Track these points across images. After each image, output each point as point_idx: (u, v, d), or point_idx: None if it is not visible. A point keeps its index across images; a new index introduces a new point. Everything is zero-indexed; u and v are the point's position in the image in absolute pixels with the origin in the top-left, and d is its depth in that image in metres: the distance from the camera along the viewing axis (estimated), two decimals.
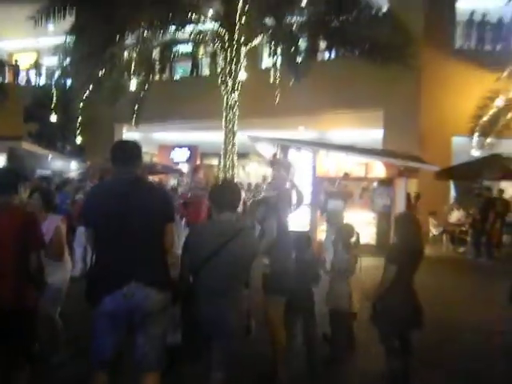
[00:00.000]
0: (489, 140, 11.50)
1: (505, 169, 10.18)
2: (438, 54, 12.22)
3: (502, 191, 11.30)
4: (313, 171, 10.01)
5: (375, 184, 10.38)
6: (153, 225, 2.52)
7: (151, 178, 14.12)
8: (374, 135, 13.69)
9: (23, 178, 3.08)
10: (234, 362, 2.63)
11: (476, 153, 11.61)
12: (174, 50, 12.87)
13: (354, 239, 4.22)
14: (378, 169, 10.07)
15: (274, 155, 10.05)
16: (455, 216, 11.47)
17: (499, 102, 11.16)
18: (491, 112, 11.25)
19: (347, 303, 3.96)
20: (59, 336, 3.81)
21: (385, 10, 11.30)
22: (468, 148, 11.84)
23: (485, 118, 11.32)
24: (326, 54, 14.00)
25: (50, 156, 15.54)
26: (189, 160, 19.21)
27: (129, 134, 17.67)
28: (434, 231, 11.48)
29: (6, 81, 18.57)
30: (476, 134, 11.54)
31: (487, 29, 13.08)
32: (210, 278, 2.50)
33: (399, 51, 9.67)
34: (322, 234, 9.88)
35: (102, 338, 2.46)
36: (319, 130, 16.38)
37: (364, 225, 9.56)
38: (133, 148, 2.68)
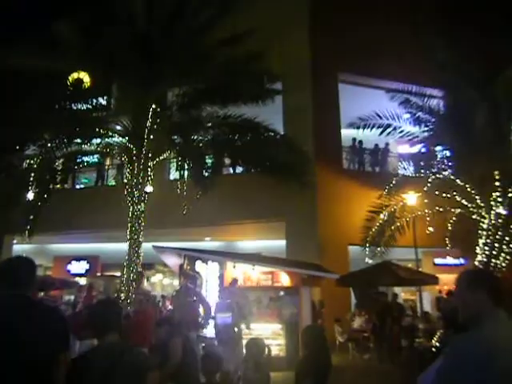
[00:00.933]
0: (379, 249, 12.65)
1: (395, 275, 11.11)
2: (329, 173, 13.75)
3: (395, 295, 12.19)
4: (220, 281, 9.93)
5: (282, 293, 10.55)
6: (45, 357, 2.22)
7: (42, 295, 12.73)
8: (278, 245, 14.29)
9: None
10: None
11: (370, 260, 12.60)
12: (79, 160, 12.78)
13: (265, 354, 4.12)
14: (284, 278, 10.35)
15: (181, 266, 9.88)
16: (357, 322, 11.91)
17: (383, 215, 12.61)
18: (378, 224, 12.59)
19: None
20: None
21: (282, 133, 12.77)
22: (363, 256, 12.84)
23: (373, 230, 12.59)
24: (231, 169, 14.95)
25: None
26: (88, 272, 17.88)
27: (20, 245, 16.17)
28: (339, 338, 11.68)
29: None
30: (367, 244, 12.65)
31: (366, 153, 15.28)
32: None
33: (296, 169, 10.76)
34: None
35: None
36: (226, 240, 16.66)
37: (273, 336, 9.45)
38: (26, 268, 2.43)
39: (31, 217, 11.24)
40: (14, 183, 11.26)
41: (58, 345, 2.32)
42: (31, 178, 11.07)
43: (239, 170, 14.37)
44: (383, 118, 12.36)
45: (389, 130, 12.45)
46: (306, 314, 9.82)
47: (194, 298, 7.64)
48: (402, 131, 12.59)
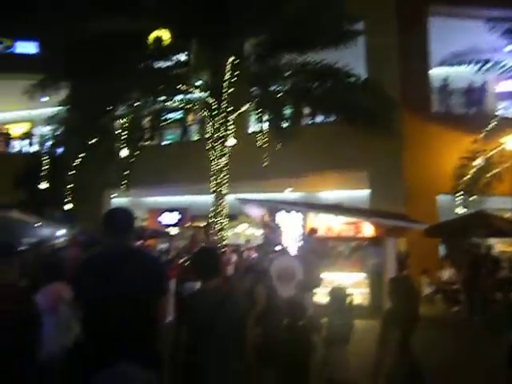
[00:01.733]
0: (472, 198, 11.79)
1: (491, 226, 10.35)
2: (416, 118, 12.84)
3: (490, 247, 11.41)
4: (302, 232, 10.06)
5: (365, 244, 10.43)
6: (145, 299, 2.45)
7: (140, 243, 14.00)
8: (360, 195, 13.97)
9: (16, 251, 3.01)
10: None
11: (461, 210, 11.84)
12: (164, 117, 13.36)
13: (347, 302, 4.15)
14: (367, 228, 10.17)
15: (263, 217, 10.16)
16: (447, 274, 11.45)
17: (478, 161, 11.60)
18: (472, 171, 11.64)
19: (344, 372, 3.82)
20: None
21: (364, 77, 12.07)
22: (453, 206, 12.09)
23: (466, 178, 11.68)
24: (311, 119, 14.62)
25: (38, 223, 15.40)
26: (179, 223, 19.17)
27: (118, 199, 17.73)
28: (426, 290, 11.37)
29: None
30: (459, 193, 11.84)
31: (460, 94, 13.91)
32: (207, 344, 2.61)
33: (379, 116, 10.17)
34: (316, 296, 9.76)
35: None
36: (307, 191, 16.66)
37: (355, 286, 9.48)
38: (125, 218, 2.64)
39: (125, 172, 12.18)
40: (110, 142, 12.19)
41: (158, 287, 2.54)
42: (123, 137, 11.89)
43: (319, 119, 14.01)
44: (481, 52, 11.03)
45: (487, 65, 11.13)
46: (390, 264, 9.65)
47: (276, 249, 7.88)
48: (503, 66, 11.19)
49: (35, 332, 2.76)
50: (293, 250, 9.88)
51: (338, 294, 4.17)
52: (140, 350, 2.39)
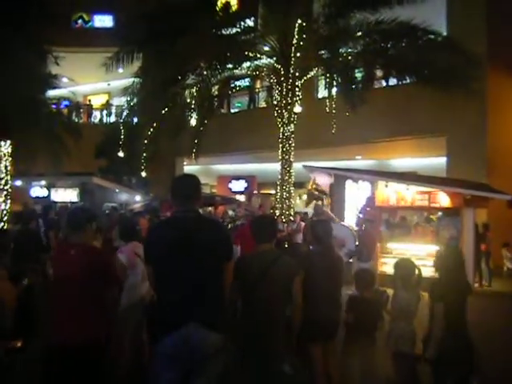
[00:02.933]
0: None
1: None
2: (504, 76, 11.61)
3: None
4: (371, 201, 9.74)
5: (440, 214, 9.87)
6: (214, 264, 2.51)
7: (210, 209, 14.50)
8: (436, 162, 13.13)
9: (93, 216, 3.23)
10: None
11: None
12: (232, 85, 13.38)
13: (415, 275, 3.97)
14: (442, 198, 9.57)
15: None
16: None
17: None
18: None
19: (410, 345, 3.71)
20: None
21: (444, 33, 11.06)
22: None
23: None
24: (384, 82, 13.82)
25: (117, 189, 16.53)
26: (246, 190, 19.52)
27: (189, 166, 18.37)
28: (508, 264, 10.59)
29: (81, 120, 20.22)
30: None
31: None
32: (258, 299, 2.88)
33: (461, 75, 9.31)
34: (383, 266, 9.51)
35: (159, 377, 2.47)
36: (378, 159, 16.01)
37: (429, 257, 9.07)
38: (193, 183, 2.69)
39: (195, 140, 12.51)
40: (180, 111, 12.52)
41: (224, 252, 2.59)
42: (192, 106, 12.14)
43: (393, 82, 13.20)
44: None
45: None
46: (468, 236, 9.07)
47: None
48: None
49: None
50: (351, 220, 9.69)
51: (404, 266, 3.98)
52: (208, 314, 2.47)
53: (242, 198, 18.15)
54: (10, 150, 12.22)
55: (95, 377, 2.80)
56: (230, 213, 13.95)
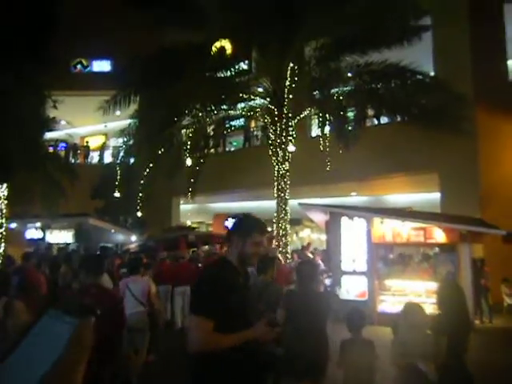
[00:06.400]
0: None
1: None
2: (493, 115, 11.93)
3: None
4: (367, 238, 9.74)
5: (436, 250, 9.86)
6: None
7: (207, 247, 14.40)
8: (431, 198, 13.25)
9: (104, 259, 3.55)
10: None
11: None
12: (227, 125, 13.66)
13: (423, 320, 3.77)
14: (438, 234, 9.59)
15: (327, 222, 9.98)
16: None
17: None
18: None
19: None
20: None
21: (432, 74, 11.46)
22: None
23: None
24: (375, 121, 14.15)
25: (113, 230, 16.45)
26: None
27: (185, 205, 18.41)
28: (507, 300, 10.48)
29: (78, 161, 20.40)
30: None
31: None
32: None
33: (450, 115, 9.57)
34: (382, 304, 9.39)
35: None
36: (373, 195, 16.14)
37: (428, 294, 8.97)
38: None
39: (192, 180, 12.61)
40: (176, 151, 12.70)
41: None
42: (188, 146, 12.33)
43: (384, 120, 13.52)
44: None
45: None
46: (465, 272, 9.01)
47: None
48: None
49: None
50: (358, 259, 9.64)
51: (414, 312, 3.78)
52: None
53: None
54: (6, 192, 12.25)
55: None
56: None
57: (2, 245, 12.17)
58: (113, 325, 2.95)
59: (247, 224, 2.38)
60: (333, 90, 11.15)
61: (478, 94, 11.56)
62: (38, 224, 16.23)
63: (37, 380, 0.67)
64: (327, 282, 9.98)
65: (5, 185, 12.16)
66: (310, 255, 11.06)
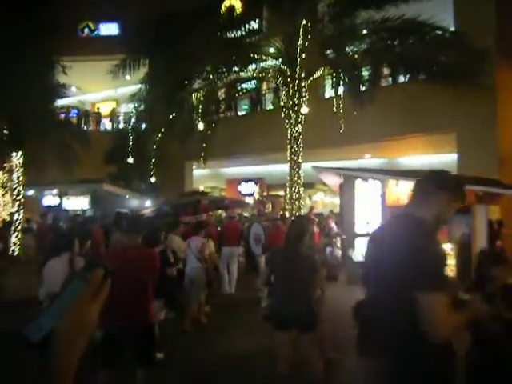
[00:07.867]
0: None
1: None
2: None
3: None
4: (382, 200, 9.66)
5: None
6: None
7: (220, 212, 14.52)
8: (447, 159, 12.97)
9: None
10: None
11: None
12: (238, 88, 13.39)
13: None
14: None
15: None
16: None
17: None
18: None
19: None
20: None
21: (452, 29, 10.93)
22: None
23: None
24: (391, 80, 13.71)
25: (127, 195, 16.64)
26: (255, 192, 19.53)
27: (198, 170, 18.42)
28: None
29: (90, 128, 20.41)
30: None
31: None
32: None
33: (470, 70, 9.20)
34: None
35: None
36: (387, 157, 15.89)
37: None
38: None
39: (204, 144, 12.54)
40: (187, 116, 12.57)
41: None
42: (199, 110, 12.18)
43: (400, 79, 13.09)
44: None
45: None
46: (480, 234, 8.92)
47: None
48: None
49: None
50: (372, 222, 9.60)
51: None
52: None
53: (251, 200, 18.16)
54: (21, 160, 12.37)
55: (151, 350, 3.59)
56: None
57: (21, 212, 12.42)
58: (150, 272, 3.53)
59: (457, 182, 2.16)
60: (347, 49, 10.76)
61: (502, 48, 11.01)
62: (55, 191, 16.50)
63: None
64: (339, 244, 10.04)
65: (20, 152, 12.27)
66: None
